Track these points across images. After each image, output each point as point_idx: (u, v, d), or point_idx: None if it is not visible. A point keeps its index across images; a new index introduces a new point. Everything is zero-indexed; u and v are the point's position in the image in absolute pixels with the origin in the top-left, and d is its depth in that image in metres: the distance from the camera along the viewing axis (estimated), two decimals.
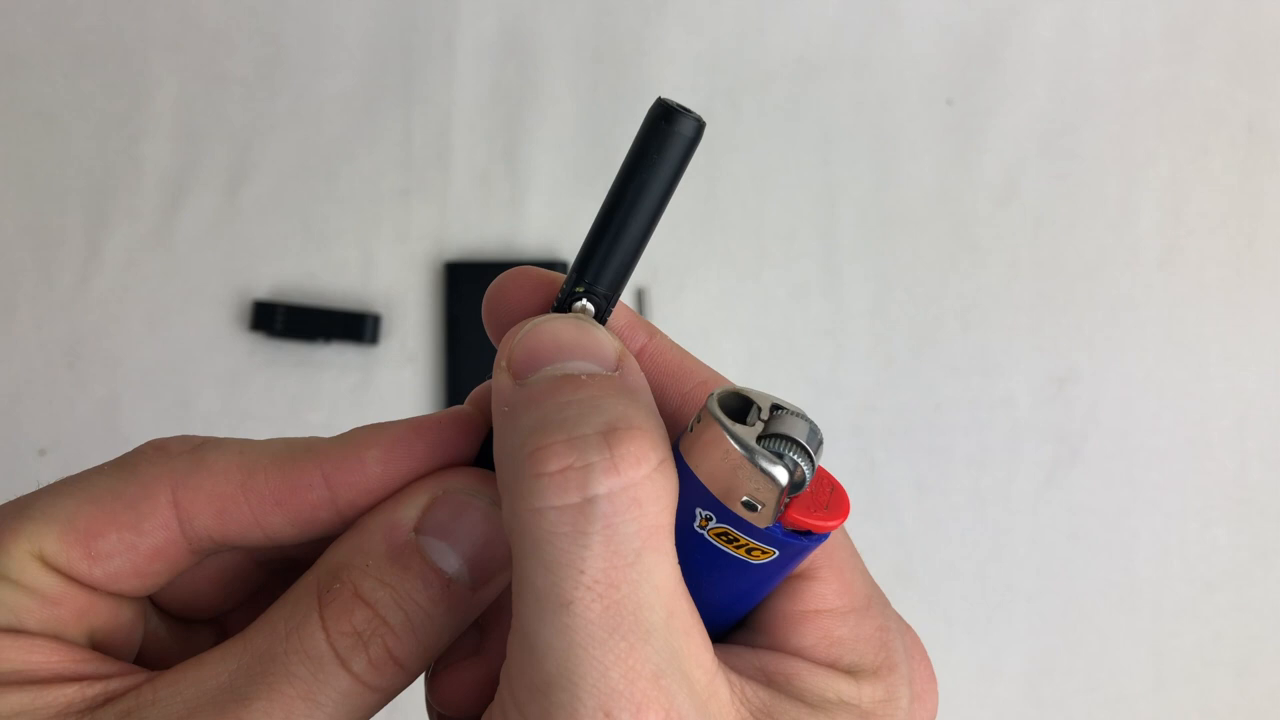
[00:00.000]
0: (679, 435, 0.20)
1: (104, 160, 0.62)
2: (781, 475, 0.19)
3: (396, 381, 0.60)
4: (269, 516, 0.22)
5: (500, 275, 0.23)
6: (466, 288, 0.60)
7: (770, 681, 0.21)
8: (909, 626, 0.25)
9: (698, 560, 0.20)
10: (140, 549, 0.22)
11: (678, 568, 0.19)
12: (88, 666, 0.21)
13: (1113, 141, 0.61)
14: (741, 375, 0.60)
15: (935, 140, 0.61)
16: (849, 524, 0.22)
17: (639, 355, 0.22)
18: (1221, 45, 0.61)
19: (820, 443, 0.20)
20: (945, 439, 0.60)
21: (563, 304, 0.21)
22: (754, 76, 0.61)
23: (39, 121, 0.62)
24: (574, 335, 0.20)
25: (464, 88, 0.61)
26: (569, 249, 0.61)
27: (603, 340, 0.20)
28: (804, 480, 0.20)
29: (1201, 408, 0.60)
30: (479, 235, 0.61)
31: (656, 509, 0.18)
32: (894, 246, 0.61)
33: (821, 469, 0.21)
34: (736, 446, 0.19)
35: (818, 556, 0.22)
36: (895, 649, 0.23)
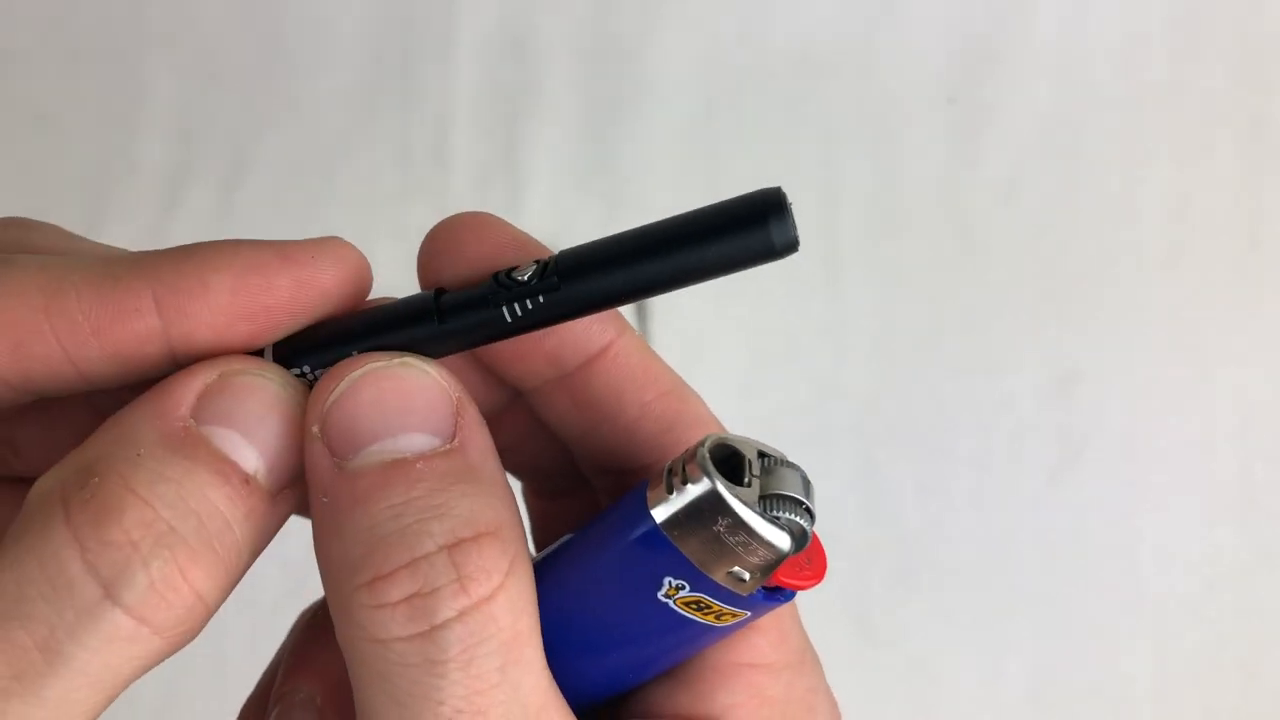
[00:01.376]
0: (643, 487, 0.17)
1: (100, 158, 0.61)
2: (786, 545, 0.17)
3: None
4: (82, 349, 0.17)
5: (450, 220, 0.18)
6: None
7: None
8: (830, 693, 0.22)
9: (650, 627, 0.18)
10: None
11: (545, 669, 0.17)
12: None
13: (1116, 140, 0.61)
14: (741, 375, 0.60)
15: (937, 139, 0.61)
16: None
17: (603, 357, 0.19)
18: (1226, 44, 0.61)
19: (813, 495, 0.18)
20: (947, 439, 0.60)
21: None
22: (754, 75, 0.61)
23: (34, 119, 0.62)
24: (399, 397, 0.16)
25: (463, 86, 0.61)
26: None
27: (434, 398, 0.17)
28: (805, 543, 0.18)
29: (1205, 408, 0.60)
30: None
31: (513, 616, 0.16)
32: (895, 246, 0.60)
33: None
34: (743, 515, 0.17)
35: None
36: (820, 717, 0.21)
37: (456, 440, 0.17)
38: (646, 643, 0.18)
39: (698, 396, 0.22)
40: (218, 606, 0.17)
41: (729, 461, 0.18)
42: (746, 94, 0.61)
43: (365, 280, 0.20)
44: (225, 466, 0.16)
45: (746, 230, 0.16)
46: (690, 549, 0.17)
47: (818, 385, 0.60)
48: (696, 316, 0.60)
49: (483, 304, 0.17)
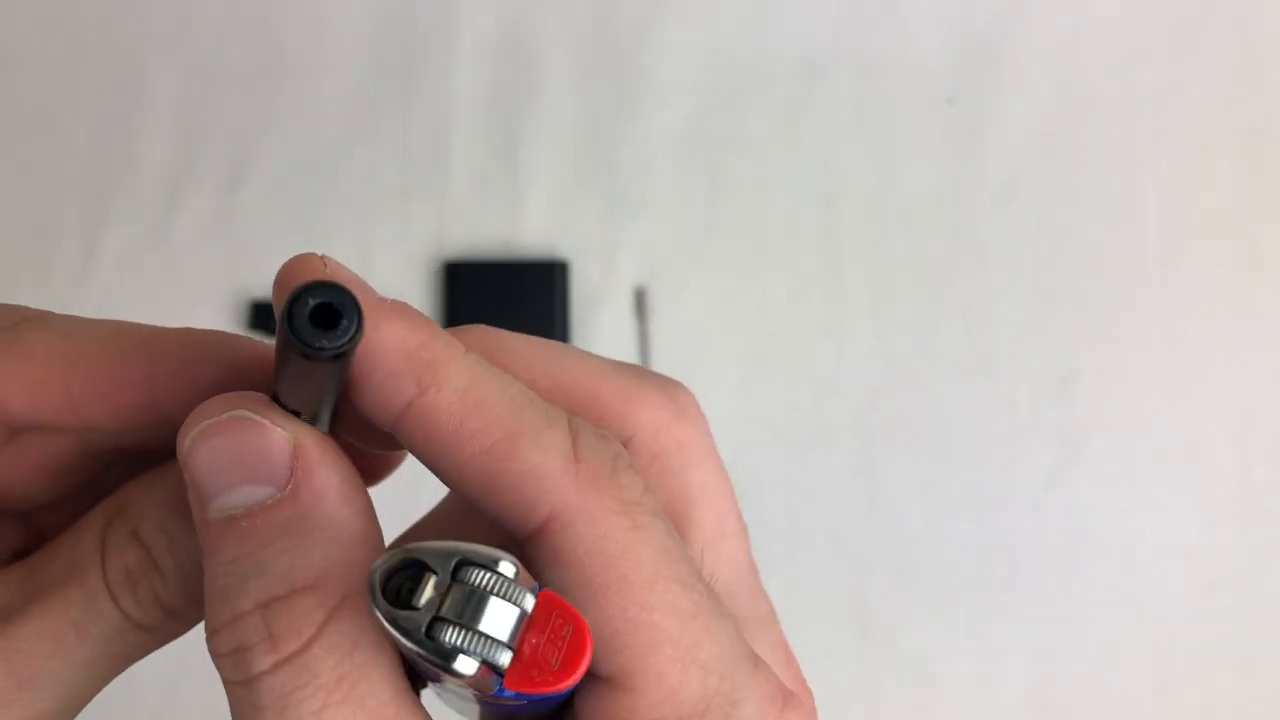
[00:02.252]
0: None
1: (102, 159, 0.61)
2: (467, 668, 0.16)
3: None
4: (87, 407, 0.20)
5: (290, 265, 0.20)
6: (466, 287, 0.60)
7: None
8: (797, 695, 0.20)
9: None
10: None
11: (391, 692, 0.17)
12: None
13: (1115, 141, 0.61)
14: (741, 375, 0.60)
15: (937, 140, 0.61)
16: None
17: (405, 415, 0.18)
18: (1224, 45, 0.61)
19: (517, 590, 0.16)
20: (946, 439, 0.60)
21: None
22: (755, 76, 0.61)
23: (36, 120, 0.62)
24: (235, 450, 0.18)
25: (463, 87, 0.61)
26: (569, 248, 0.60)
27: (264, 447, 0.18)
28: (501, 667, 0.16)
29: (1203, 408, 0.60)
30: (478, 235, 0.60)
31: (337, 659, 0.17)
32: (895, 246, 0.60)
33: (552, 602, 0.16)
34: (406, 644, 0.16)
35: (632, 657, 0.17)
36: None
37: (289, 488, 0.18)
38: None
39: (546, 440, 0.18)
40: (191, 620, 0.21)
41: (418, 578, 0.16)
42: (746, 94, 0.61)
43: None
44: (205, 526, 0.20)
45: (290, 335, 0.15)
46: (413, 660, 0.16)
47: (818, 385, 0.60)
48: (697, 317, 0.60)
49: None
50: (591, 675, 0.17)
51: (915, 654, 0.59)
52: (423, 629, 0.15)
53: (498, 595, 0.16)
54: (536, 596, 0.16)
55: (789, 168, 0.61)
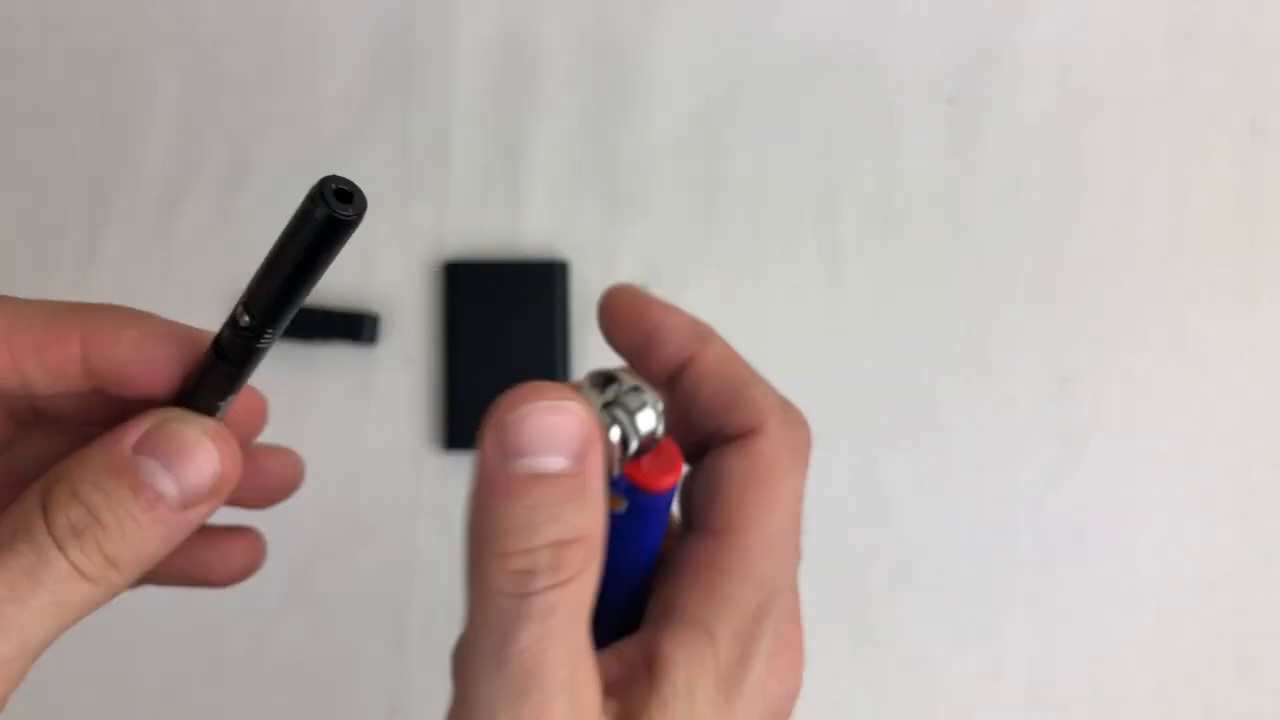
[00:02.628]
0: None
1: (102, 159, 0.62)
2: (646, 423, 0.24)
3: (395, 382, 0.60)
4: (26, 362, 0.25)
5: (614, 294, 0.28)
6: (466, 288, 0.60)
7: (633, 679, 0.25)
8: (797, 620, 0.28)
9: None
10: None
11: (586, 632, 0.23)
12: None
13: (1115, 140, 0.61)
14: None
15: (937, 139, 0.61)
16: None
17: (690, 365, 0.28)
18: (1224, 44, 0.61)
19: (657, 413, 0.25)
20: (946, 439, 0.60)
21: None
22: (754, 75, 0.61)
23: (36, 120, 0.62)
24: (556, 428, 0.23)
25: (463, 87, 0.61)
26: (569, 249, 0.60)
27: (578, 434, 0.23)
28: (627, 443, 0.24)
29: (1204, 408, 0.60)
30: (479, 235, 0.60)
31: (579, 599, 0.23)
32: (895, 246, 0.61)
33: (670, 443, 0.26)
34: (597, 403, 0.24)
35: (734, 519, 0.26)
36: (763, 633, 0.26)
37: (581, 466, 0.23)
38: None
39: (770, 391, 0.28)
40: (133, 575, 0.24)
41: (608, 383, 0.25)
42: (746, 94, 0.61)
43: (195, 365, 0.26)
44: (141, 486, 0.24)
45: (313, 218, 0.21)
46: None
47: (818, 385, 0.60)
48: (697, 316, 0.60)
49: (238, 344, 0.24)
50: (713, 530, 0.26)
51: (915, 654, 0.59)
52: (601, 404, 0.24)
53: (652, 409, 0.24)
54: (664, 434, 0.25)
55: (789, 168, 0.61)
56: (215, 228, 0.61)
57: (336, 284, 0.60)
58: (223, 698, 0.59)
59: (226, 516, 0.29)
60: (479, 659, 0.23)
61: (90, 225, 0.61)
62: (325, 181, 0.20)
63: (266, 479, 0.31)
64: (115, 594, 0.24)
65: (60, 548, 0.23)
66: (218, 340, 0.24)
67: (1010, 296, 0.60)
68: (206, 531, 0.30)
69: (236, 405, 0.27)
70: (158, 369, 0.25)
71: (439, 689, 0.62)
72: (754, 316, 0.60)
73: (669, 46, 0.61)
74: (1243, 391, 0.60)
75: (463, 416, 0.59)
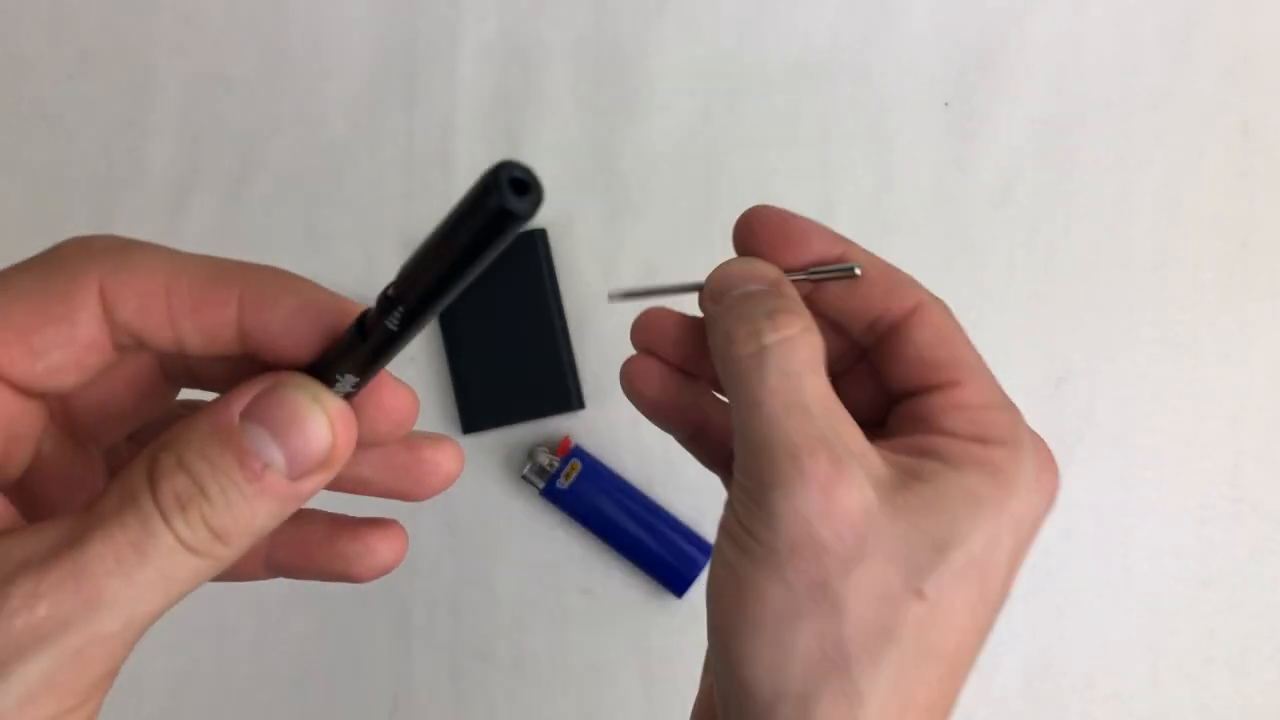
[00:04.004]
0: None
1: (108, 162, 0.62)
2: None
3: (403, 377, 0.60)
4: (182, 321, 0.23)
5: (755, 214, 0.32)
6: None
7: (916, 449, 0.29)
8: (1039, 435, 0.32)
9: None
10: (77, 340, 0.23)
11: (827, 384, 0.28)
12: None
13: (1109, 144, 0.61)
14: None
15: (933, 143, 0.61)
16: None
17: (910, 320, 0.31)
18: (1217, 48, 0.62)
19: None
20: None
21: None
22: (753, 80, 0.62)
23: (43, 123, 0.62)
24: (745, 266, 0.30)
25: (466, 91, 0.62)
26: (568, 248, 0.61)
27: (764, 272, 0.30)
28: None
29: (1196, 407, 0.60)
30: None
31: (805, 351, 0.28)
32: (891, 248, 0.61)
33: None
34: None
35: (962, 369, 0.31)
36: (1025, 435, 0.31)
37: (776, 285, 0.30)
38: None
39: (923, 289, 0.33)
40: (241, 548, 0.23)
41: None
42: (744, 98, 0.62)
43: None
44: (246, 456, 0.22)
45: (484, 207, 0.19)
46: None
47: None
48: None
49: (379, 322, 0.22)
50: (938, 386, 0.30)
51: None
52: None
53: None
54: None
55: (787, 171, 0.61)
56: (221, 229, 0.61)
57: (340, 287, 0.61)
58: (228, 692, 0.60)
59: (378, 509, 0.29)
60: (743, 406, 0.27)
61: (96, 227, 0.61)
62: (501, 167, 0.18)
63: (424, 469, 0.29)
64: (223, 567, 0.23)
65: (166, 520, 0.22)
66: (362, 318, 0.23)
67: (1005, 297, 0.61)
68: (347, 523, 0.30)
69: (386, 399, 0.26)
70: (312, 341, 0.24)
71: (442, 683, 0.63)
72: None
73: (668, 51, 0.62)
74: (1234, 391, 0.60)
75: (474, 398, 0.60)
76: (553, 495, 0.59)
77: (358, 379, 0.24)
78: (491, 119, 0.62)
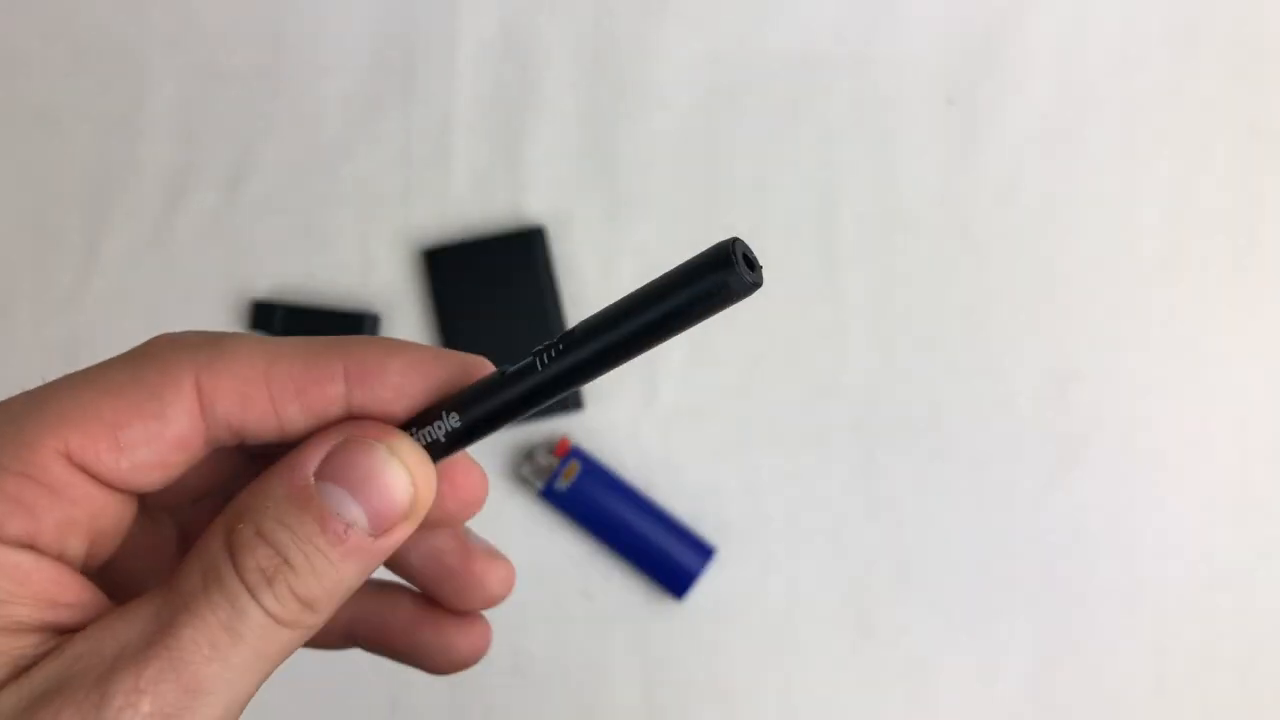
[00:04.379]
0: None
1: (103, 160, 0.62)
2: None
3: None
4: (287, 406, 0.23)
5: None
6: (449, 272, 0.59)
7: None
8: None
9: None
10: (165, 438, 0.22)
11: None
12: (56, 610, 0.21)
13: (1114, 141, 0.61)
14: (741, 375, 0.60)
15: (936, 140, 0.61)
16: None
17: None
18: (1223, 45, 0.61)
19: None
20: (946, 439, 0.60)
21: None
22: (754, 76, 0.61)
23: (37, 121, 0.62)
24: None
25: (464, 88, 0.61)
26: (568, 249, 0.60)
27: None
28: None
29: (1203, 408, 0.60)
30: (479, 235, 0.60)
31: None
32: (894, 246, 0.61)
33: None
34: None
35: None
36: None
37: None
38: None
39: None
40: (328, 610, 0.22)
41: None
42: (746, 95, 0.61)
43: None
44: (328, 518, 0.22)
45: (712, 276, 0.19)
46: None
47: (818, 385, 0.60)
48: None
49: (531, 370, 0.21)
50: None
51: (915, 654, 0.59)
52: None
53: None
54: None
55: (788, 167, 0.61)
56: (217, 228, 0.61)
57: (337, 285, 0.60)
58: None
59: None
60: None
61: (91, 226, 0.61)
62: (738, 243, 0.19)
63: (471, 581, 0.29)
64: (312, 634, 0.23)
65: (254, 596, 0.21)
66: (502, 371, 0.22)
67: (1010, 297, 0.60)
68: (430, 614, 0.29)
69: (459, 476, 0.25)
70: (424, 400, 0.23)
71: (439, 685, 0.63)
72: (754, 316, 0.60)
73: (669, 47, 0.61)
74: (1242, 392, 0.60)
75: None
76: (551, 496, 0.58)
77: (459, 425, 0.23)
78: (490, 116, 0.61)
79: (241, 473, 0.26)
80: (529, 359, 0.21)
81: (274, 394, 0.22)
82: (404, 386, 0.23)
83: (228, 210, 0.61)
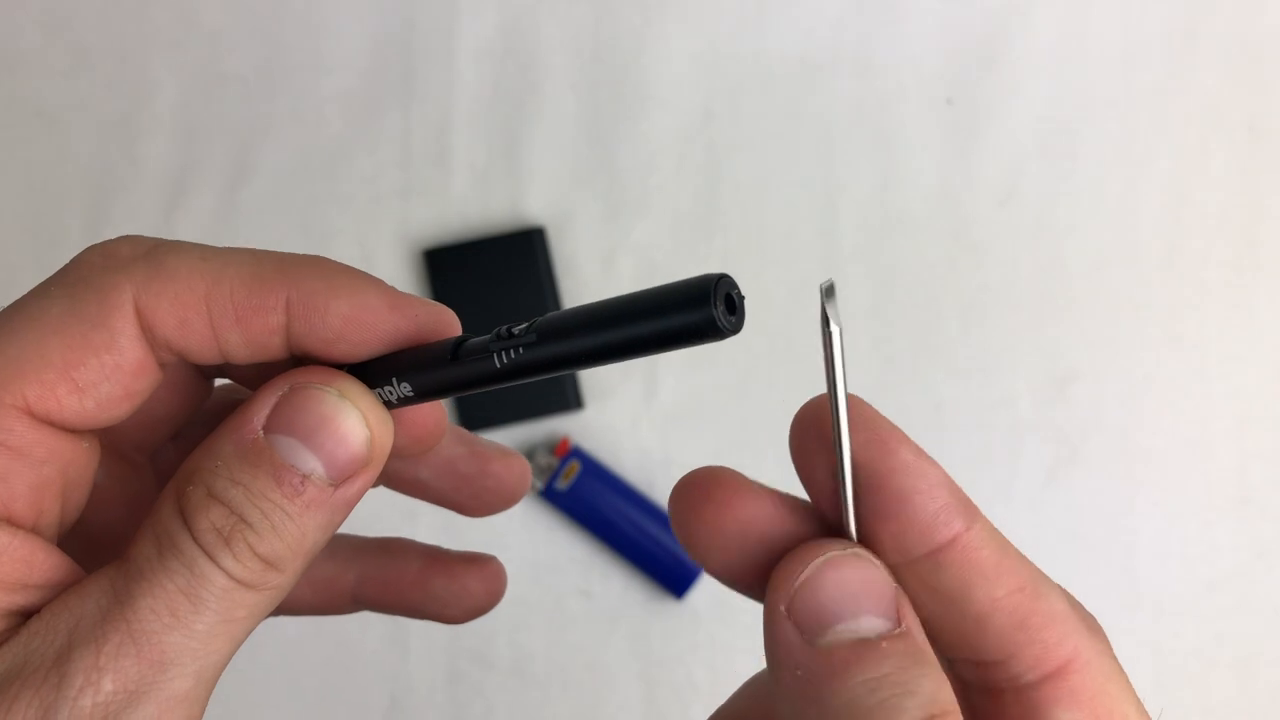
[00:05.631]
0: None
1: (103, 160, 0.62)
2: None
3: None
4: (226, 332, 0.21)
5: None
6: (449, 272, 0.60)
7: None
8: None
9: None
10: (123, 368, 0.21)
11: None
12: (25, 593, 0.20)
13: (1113, 141, 0.61)
14: (741, 375, 0.60)
15: (935, 140, 0.61)
16: None
17: (950, 548, 0.20)
18: (1222, 44, 0.61)
19: None
20: (946, 439, 0.60)
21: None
22: (754, 76, 0.61)
23: (38, 121, 0.62)
24: (859, 582, 0.19)
25: (463, 87, 0.61)
26: (568, 250, 0.61)
27: (883, 586, 0.19)
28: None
29: (1202, 408, 0.60)
30: (479, 235, 0.61)
31: None
32: (894, 246, 0.61)
33: None
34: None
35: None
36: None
37: (903, 625, 0.19)
38: None
39: (1054, 589, 0.22)
40: (294, 568, 0.21)
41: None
42: (745, 95, 0.61)
43: (442, 337, 0.23)
44: (282, 471, 0.20)
45: (686, 312, 0.18)
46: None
47: (818, 385, 0.60)
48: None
49: (484, 351, 0.20)
50: None
51: None
52: None
53: None
54: None
55: (788, 168, 0.61)
56: (217, 227, 0.61)
57: None
58: (224, 691, 0.60)
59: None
60: None
61: (92, 225, 0.61)
62: (722, 281, 0.18)
63: (488, 483, 0.27)
64: (283, 595, 0.21)
65: (212, 557, 0.20)
66: (459, 341, 0.21)
67: (1009, 297, 0.60)
68: (442, 559, 0.28)
69: (411, 410, 0.23)
70: (367, 350, 0.22)
71: (439, 685, 0.63)
72: (754, 316, 0.60)
73: (668, 47, 0.61)
74: (1241, 391, 0.60)
75: (472, 398, 0.60)
76: (551, 496, 0.58)
77: (412, 394, 0.22)
78: (490, 116, 0.61)
79: (208, 397, 0.25)
80: (489, 338, 0.20)
81: (214, 319, 0.21)
82: (345, 332, 0.21)
83: (228, 210, 0.61)
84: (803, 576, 0.19)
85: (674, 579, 0.58)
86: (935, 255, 0.60)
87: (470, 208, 0.61)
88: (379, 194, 0.61)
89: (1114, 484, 0.60)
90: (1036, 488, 0.60)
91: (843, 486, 0.20)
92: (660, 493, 0.59)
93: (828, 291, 0.20)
